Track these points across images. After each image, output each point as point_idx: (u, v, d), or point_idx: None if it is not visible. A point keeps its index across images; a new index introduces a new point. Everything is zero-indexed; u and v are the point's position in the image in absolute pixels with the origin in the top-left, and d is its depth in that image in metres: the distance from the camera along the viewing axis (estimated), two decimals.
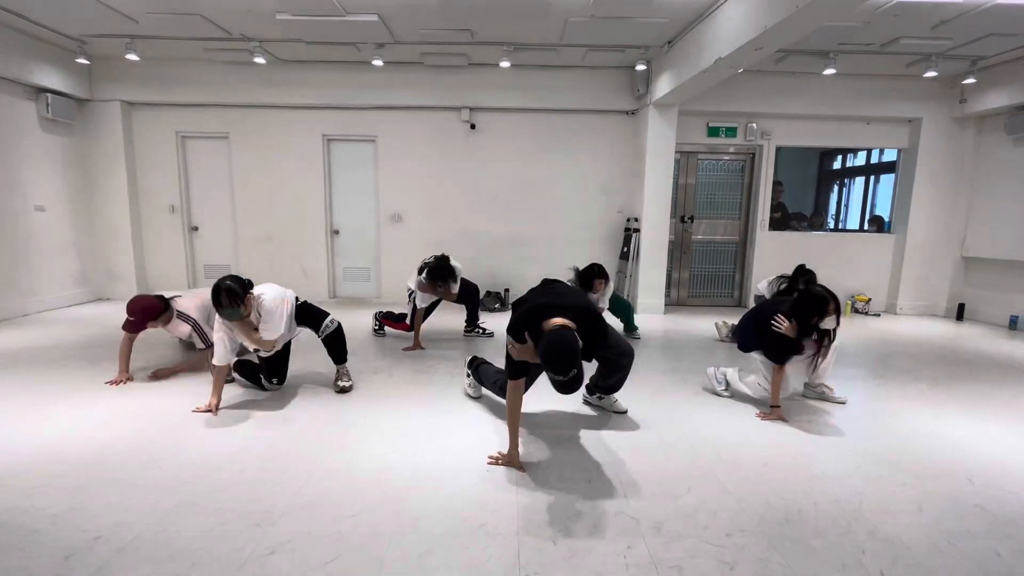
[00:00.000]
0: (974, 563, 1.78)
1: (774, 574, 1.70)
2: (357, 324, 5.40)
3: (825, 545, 1.86)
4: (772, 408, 3.02)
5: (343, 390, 3.30)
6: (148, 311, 3.31)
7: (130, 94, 6.21)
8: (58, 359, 3.96)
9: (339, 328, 3.32)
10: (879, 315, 6.47)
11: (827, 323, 2.89)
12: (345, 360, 3.39)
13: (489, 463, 2.40)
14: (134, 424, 2.79)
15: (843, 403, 3.26)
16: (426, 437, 2.69)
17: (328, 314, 3.31)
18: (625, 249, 6.33)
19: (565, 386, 2.00)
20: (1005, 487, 2.28)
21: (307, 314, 3.28)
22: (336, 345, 3.33)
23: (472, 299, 4.73)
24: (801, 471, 2.40)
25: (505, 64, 5.67)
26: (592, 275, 4.39)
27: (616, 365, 2.86)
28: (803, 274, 4.28)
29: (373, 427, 2.81)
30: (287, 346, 3.32)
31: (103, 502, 2.04)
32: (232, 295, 2.79)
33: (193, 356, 3.67)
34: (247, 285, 2.92)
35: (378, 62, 5.69)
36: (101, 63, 6.07)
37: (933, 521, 2.02)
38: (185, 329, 3.43)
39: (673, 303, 6.80)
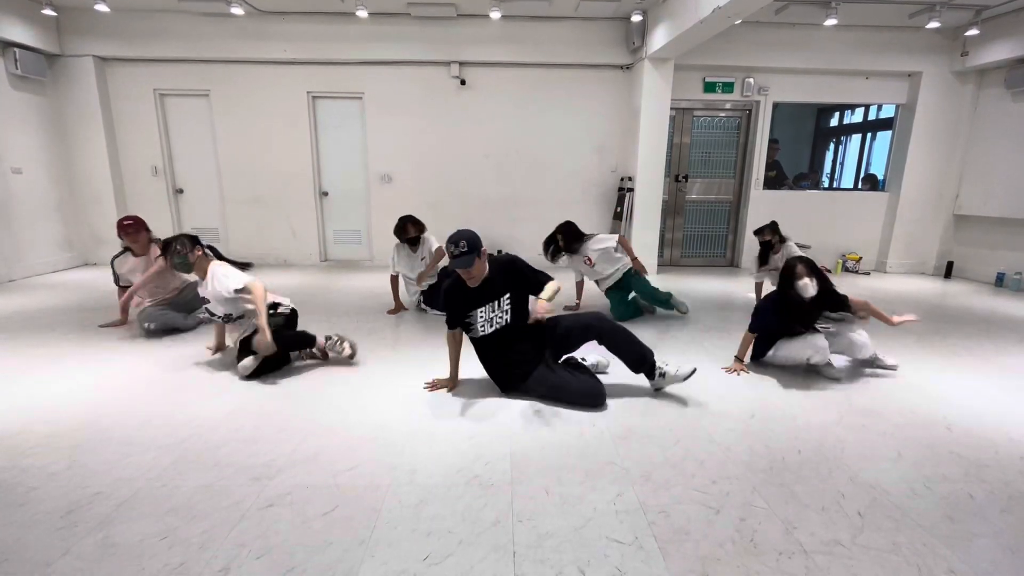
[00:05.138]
0: (949, 505, 1.85)
1: (757, 517, 1.77)
2: (350, 287, 5.38)
3: (807, 490, 1.93)
4: (736, 360, 3.11)
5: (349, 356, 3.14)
6: (140, 220, 3.82)
7: (103, 49, 5.92)
8: (47, 324, 3.93)
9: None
10: (869, 273, 6.53)
11: (805, 287, 2.83)
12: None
13: (426, 388, 2.78)
14: (127, 386, 2.80)
15: (894, 368, 3.14)
16: (419, 395, 2.72)
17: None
18: (619, 209, 6.28)
19: (456, 259, 2.44)
20: (981, 435, 2.36)
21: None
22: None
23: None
24: (787, 421, 2.46)
25: (495, 15, 5.44)
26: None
27: (608, 343, 2.71)
28: (768, 231, 4.36)
29: (368, 386, 2.84)
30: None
31: (101, 460, 2.07)
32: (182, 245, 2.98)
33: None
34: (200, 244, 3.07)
35: (363, 13, 5.43)
36: (70, 15, 5.75)
37: (911, 467, 2.10)
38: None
39: (666, 263, 6.82)
